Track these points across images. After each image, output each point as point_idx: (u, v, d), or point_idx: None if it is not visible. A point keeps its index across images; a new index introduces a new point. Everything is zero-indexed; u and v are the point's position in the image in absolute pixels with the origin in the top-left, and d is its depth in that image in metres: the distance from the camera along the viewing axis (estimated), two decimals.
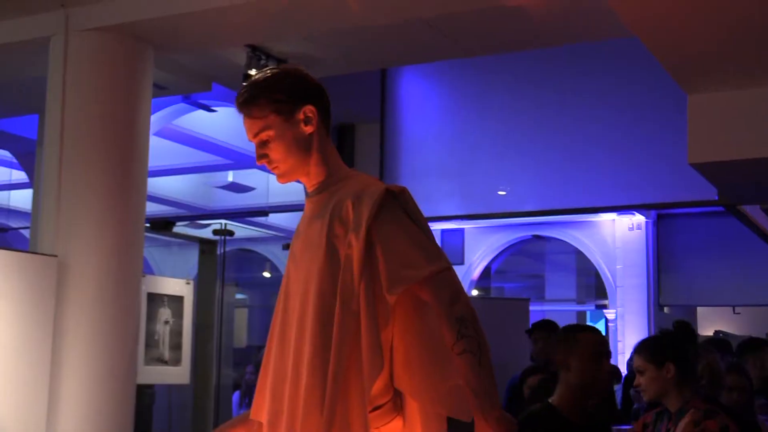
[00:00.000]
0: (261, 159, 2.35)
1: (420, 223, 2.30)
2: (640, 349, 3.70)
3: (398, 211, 2.26)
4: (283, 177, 2.39)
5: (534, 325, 6.64)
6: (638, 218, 11.95)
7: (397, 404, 2.30)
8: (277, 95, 2.31)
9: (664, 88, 8.78)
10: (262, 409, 2.37)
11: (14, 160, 9.87)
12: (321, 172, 2.38)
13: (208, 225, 11.93)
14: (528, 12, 5.21)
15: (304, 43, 6.11)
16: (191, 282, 6.33)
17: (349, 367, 2.17)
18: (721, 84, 5.35)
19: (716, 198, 7.49)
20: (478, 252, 12.62)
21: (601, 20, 5.44)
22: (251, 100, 2.32)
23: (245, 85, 2.37)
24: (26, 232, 11.87)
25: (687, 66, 5.13)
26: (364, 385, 2.15)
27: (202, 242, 6.89)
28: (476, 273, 12.73)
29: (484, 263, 12.78)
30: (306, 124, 2.33)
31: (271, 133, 2.31)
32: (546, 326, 6.40)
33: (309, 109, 2.33)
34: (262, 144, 2.34)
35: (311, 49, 6.17)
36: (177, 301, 6.14)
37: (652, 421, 3.65)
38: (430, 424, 2.28)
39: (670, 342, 3.64)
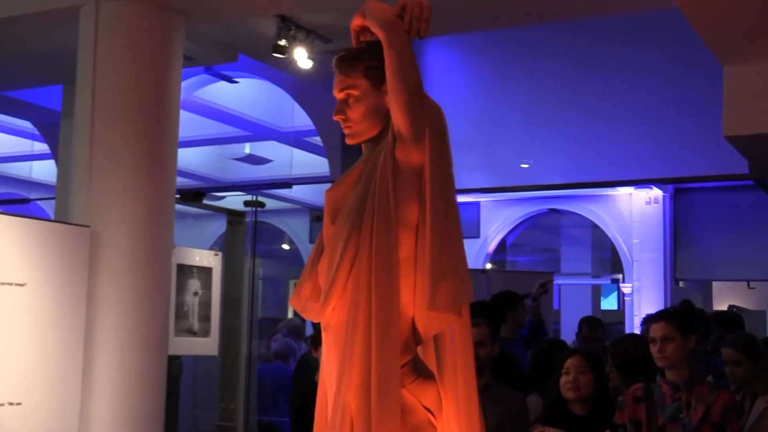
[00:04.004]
0: (338, 114, 2.46)
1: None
2: (670, 317, 3.87)
3: None
4: (352, 137, 2.49)
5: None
6: (655, 192, 11.88)
7: (417, 366, 2.33)
8: (373, 62, 2.42)
9: (686, 62, 8.74)
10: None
11: (36, 132, 9.82)
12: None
13: (224, 197, 11.91)
14: None
15: (334, 14, 6.07)
16: (219, 254, 6.33)
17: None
18: (758, 55, 5.29)
19: (746, 171, 7.43)
20: (494, 225, 12.58)
21: None
22: (348, 60, 2.46)
23: (348, 48, 2.50)
24: (45, 203, 11.91)
25: (724, 37, 5.07)
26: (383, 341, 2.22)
27: (230, 214, 6.86)
28: (491, 246, 12.71)
29: (500, 237, 12.75)
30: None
31: (355, 92, 2.44)
32: None
33: None
34: (344, 101, 2.45)
35: (340, 19, 6.12)
36: (206, 272, 6.14)
37: (644, 395, 3.79)
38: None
39: (691, 316, 3.94)
